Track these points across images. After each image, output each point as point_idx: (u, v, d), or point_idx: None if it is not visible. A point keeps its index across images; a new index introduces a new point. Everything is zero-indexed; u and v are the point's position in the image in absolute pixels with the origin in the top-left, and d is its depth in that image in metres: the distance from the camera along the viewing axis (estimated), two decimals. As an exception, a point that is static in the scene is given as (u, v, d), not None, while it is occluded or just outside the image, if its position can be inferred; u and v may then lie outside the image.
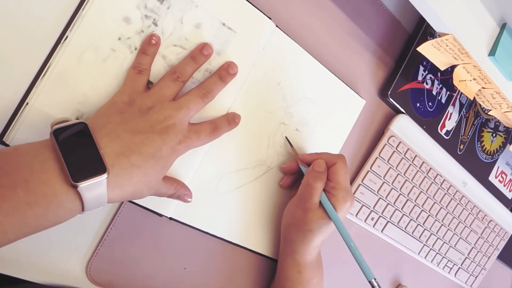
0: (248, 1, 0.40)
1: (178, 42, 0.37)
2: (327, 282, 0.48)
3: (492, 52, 0.46)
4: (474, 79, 0.50)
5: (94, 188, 0.28)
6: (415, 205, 0.61)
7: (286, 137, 0.46)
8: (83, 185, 0.27)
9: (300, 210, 0.42)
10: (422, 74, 0.56)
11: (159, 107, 0.33)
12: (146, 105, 0.33)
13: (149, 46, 0.36)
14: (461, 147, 0.66)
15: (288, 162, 0.46)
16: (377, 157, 0.55)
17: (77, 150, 0.28)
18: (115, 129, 0.31)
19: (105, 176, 0.28)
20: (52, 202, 0.27)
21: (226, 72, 0.39)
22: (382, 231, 0.58)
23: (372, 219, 0.57)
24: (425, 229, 0.64)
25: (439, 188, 0.63)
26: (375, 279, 0.41)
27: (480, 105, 0.66)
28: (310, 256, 0.44)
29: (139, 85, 0.35)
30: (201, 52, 0.38)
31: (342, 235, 0.42)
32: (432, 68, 0.57)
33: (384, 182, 0.56)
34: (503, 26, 0.47)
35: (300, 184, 0.44)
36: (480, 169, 0.70)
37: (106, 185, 0.29)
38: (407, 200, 0.60)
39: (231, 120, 0.40)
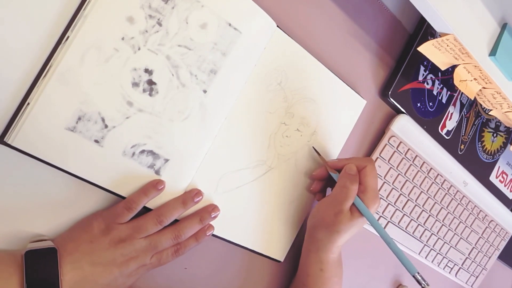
0: (253, 0, 0.40)
1: (183, 42, 0.37)
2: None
3: (493, 52, 0.46)
4: (475, 79, 0.50)
5: None
6: (415, 205, 0.61)
7: (313, 147, 0.48)
8: None
9: (331, 211, 0.43)
10: (423, 74, 0.57)
11: (129, 243, 0.36)
12: (119, 237, 0.35)
13: (153, 189, 0.37)
14: (462, 147, 0.66)
15: (318, 169, 0.48)
16: (377, 157, 0.55)
17: (41, 272, 0.31)
18: (79, 259, 0.33)
19: None
20: None
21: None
22: (383, 231, 0.58)
23: (373, 219, 0.57)
24: (425, 229, 0.64)
25: (439, 188, 0.63)
26: (418, 273, 0.42)
27: (481, 105, 0.66)
28: (333, 255, 0.45)
29: (122, 219, 0.36)
30: (193, 198, 0.40)
31: (379, 233, 0.44)
32: (432, 68, 0.57)
33: (384, 182, 0.56)
34: (503, 26, 0.47)
35: (319, 189, 0.48)
36: (480, 169, 0.70)
37: None
38: (408, 200, 0.60)
39: (199, 238, 0.41)
